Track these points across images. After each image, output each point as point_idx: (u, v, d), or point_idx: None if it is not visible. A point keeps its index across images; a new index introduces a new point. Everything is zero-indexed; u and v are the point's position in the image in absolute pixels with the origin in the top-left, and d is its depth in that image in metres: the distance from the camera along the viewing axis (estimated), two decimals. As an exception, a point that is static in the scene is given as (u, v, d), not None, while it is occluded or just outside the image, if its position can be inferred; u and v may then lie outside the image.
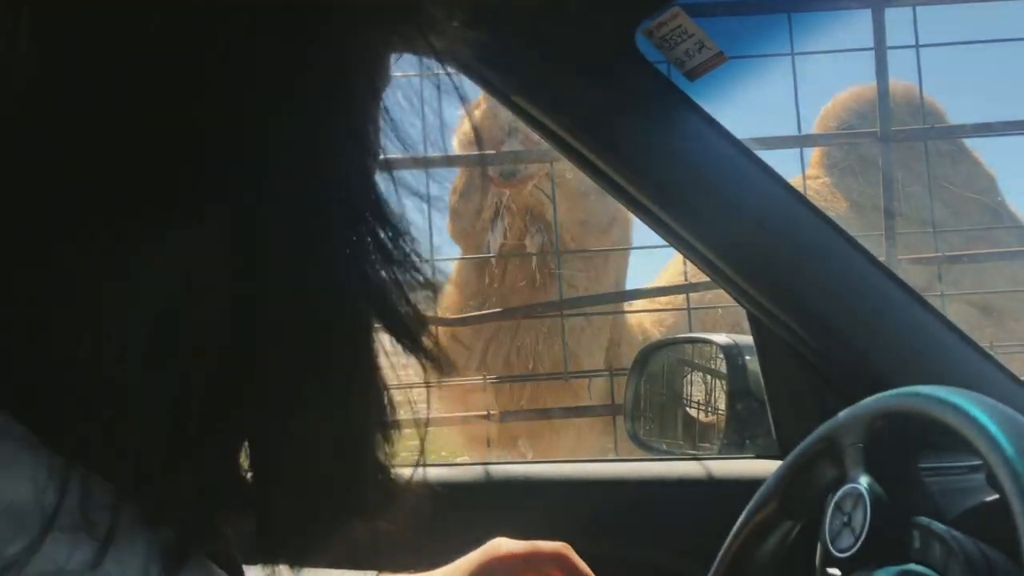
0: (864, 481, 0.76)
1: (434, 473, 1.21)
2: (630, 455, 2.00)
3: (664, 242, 1.20)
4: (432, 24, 0.37)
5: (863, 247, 1.15)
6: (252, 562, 0.40)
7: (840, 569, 0.76)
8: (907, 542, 0.72)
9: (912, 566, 0.70)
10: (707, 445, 1.48)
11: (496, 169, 2.56)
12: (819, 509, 0.84)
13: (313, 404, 0.34)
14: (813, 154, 3.55)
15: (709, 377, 1.53)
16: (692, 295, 2.64)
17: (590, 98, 1.09)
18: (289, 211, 0.33)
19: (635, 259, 2.76)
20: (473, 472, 1.21)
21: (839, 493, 0.79)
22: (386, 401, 0.37)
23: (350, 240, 0.35)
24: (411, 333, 0.37)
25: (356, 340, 0.35)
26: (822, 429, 0.86)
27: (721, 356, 1.39)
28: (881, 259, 2.45)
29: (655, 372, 1.58)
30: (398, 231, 0.37)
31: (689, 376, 1.57)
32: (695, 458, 1.30)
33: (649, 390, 1.57)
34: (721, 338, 1.40)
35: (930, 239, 2.78)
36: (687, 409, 1.57)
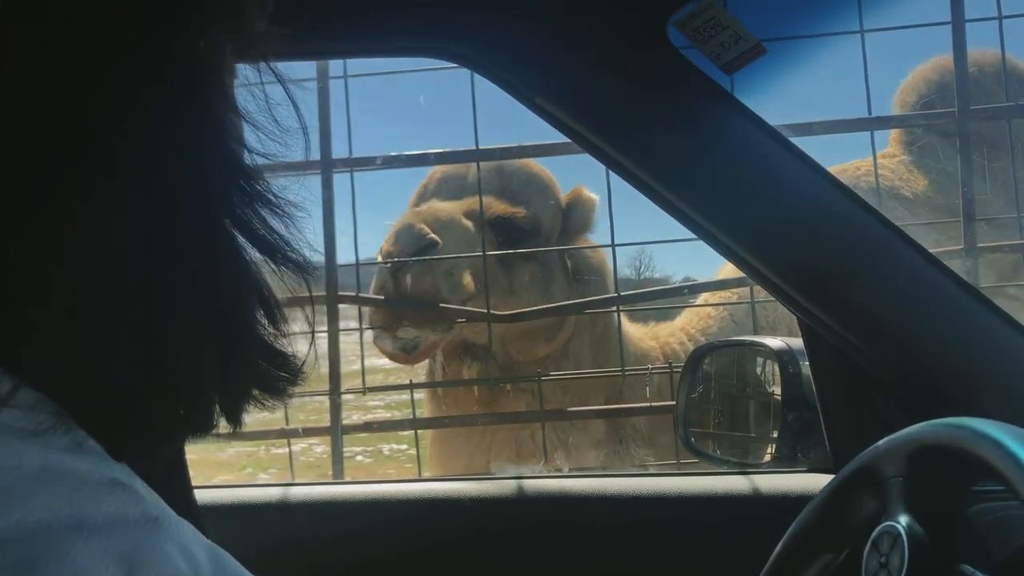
0: (903, 520, 0.69)
1: (464, 487, 1.17)
2: (688, 459, 1.94)
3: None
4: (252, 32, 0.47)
5: (921, 246, 1.07)
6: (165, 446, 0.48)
7: (876, 615, 0.70)
8: (949, 591, 0.65)
9: (953, 620, 0.63)
10: (760, 455, 1.41)
11: (396, 343, 2.34)
12: (861, 542, 0.78)
13: (188, 302, 0.42)
14: (892, 131, 3.37)
15: (762, 383, 1.45)
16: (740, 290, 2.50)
17: (620, 97, 1.03)
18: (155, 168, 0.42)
19: (693, 251, 2.60)
20: (504, 487, 1.16)
21: (876, 531, 0.72)
22: (263, 294, 0.47)
23: (205, 177, 0.44)
24: (273, 249, 0.47)
25: (217, 250, 0.45)
26: (862, 457, 0.79)
27: (774, 361, 1.31)
28: (959, 247, 2.31)
29: (707, 375, 1.51)
30: (252, 176, 0.46)
31: (741, 381, 1.50)
32: (743, 472, 1.23)
33: (701, 394, 1.50)
34: (774, 342, 1.32)
35: (1016, 224, 2.60)
36: (739, 416, 1.50)
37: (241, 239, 0.47)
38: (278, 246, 0.48)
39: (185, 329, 0.43)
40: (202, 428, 0.46)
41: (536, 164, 2.65)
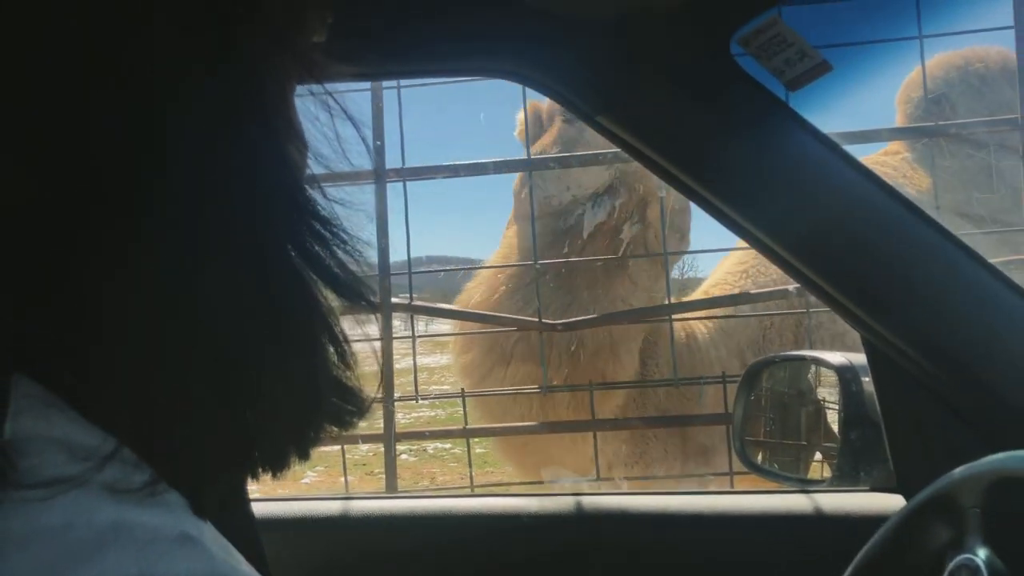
0: (982, 554, 0.68)
1: (522, 504, 1.17)
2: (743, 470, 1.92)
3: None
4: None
5: (987, 261, 1.04)
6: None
7: (954, 650, 0.68)
8: (1031, 629, 0.63)
9: (1036, 660, 0.61)
10: (820, 472, 1.39)
11: None
12: (936, 573, 0.76)
13: (278, 357, 0.44)
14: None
15: (823, 398, 1.43)
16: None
17: (683, 115, 1.02)
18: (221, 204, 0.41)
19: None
20: (563, 504, 1.16)
21: (954, 563, 0.71)
22: (333, 331, 0.47)
23: (281, 224, 0.44)
24: (347, 288, 0.47)
25: (302, 298, 0.45)
26: (937, 485, 0.77)
27: (835, 377, 1.29)
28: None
29: (765, 389, 1.49)
30: (324, 220, 0.46)
31: (800, 397, 1.48)
32: (803, 490, 1.21)
33: (759, 408, 1.49)
34: (836, 357, 1.30)
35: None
36: (797, 432, 1.48)
37: (312, 277, 0.47)
38: (352, 285, 0.48)
39: (258, 371, 0.43)
40: (276, 465, 0.47)
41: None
